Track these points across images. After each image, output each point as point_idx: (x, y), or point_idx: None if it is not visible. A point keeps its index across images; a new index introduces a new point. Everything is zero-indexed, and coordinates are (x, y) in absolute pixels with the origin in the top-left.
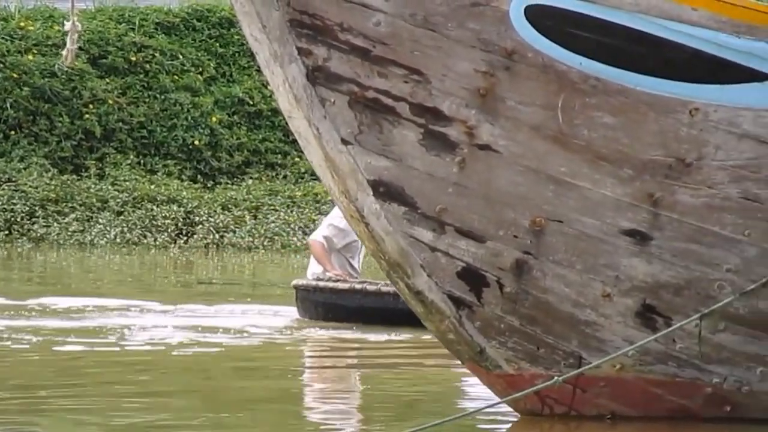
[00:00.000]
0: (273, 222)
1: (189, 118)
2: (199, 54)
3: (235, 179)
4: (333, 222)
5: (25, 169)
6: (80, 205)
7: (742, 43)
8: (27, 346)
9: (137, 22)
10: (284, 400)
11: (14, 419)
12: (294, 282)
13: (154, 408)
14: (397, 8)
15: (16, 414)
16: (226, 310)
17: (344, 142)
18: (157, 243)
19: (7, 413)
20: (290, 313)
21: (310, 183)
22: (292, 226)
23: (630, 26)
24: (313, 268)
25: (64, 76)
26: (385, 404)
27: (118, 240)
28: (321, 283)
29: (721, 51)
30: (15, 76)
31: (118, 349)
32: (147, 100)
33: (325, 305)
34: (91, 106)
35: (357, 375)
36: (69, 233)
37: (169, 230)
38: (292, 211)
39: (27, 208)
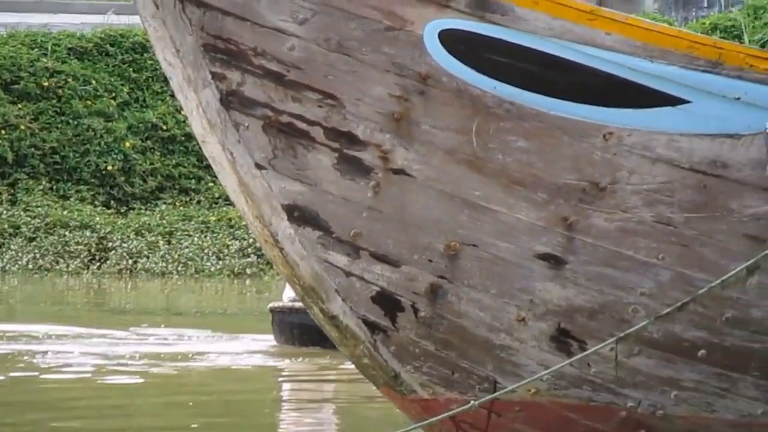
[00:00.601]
0: (187, 247)
1: (102, 143)
2: (113, 79)
3: (149, 204)
4: None
5: None
6: None
7: (655, 67)
8: None
9: (50, 48)
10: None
11: None
12: (270, 305)
13: None
14: (311, 33)
15: None
16: (139, 333)
17: (258, 166)
18: (70, 269)
19: None
20: (202, 334)
21: (224, 208)
22: (206, 251)
23: (544, 51)
24: (289, 292)
25: None
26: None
27: (30, 266)
28: (297, 305)
29: (634, 75)
30: None
31: (31, 374)
32: (60, 125)
33: (301, 327)
34: (2, 131)
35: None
36: None
37: (82, 256)
38: (206, 236)
39: None
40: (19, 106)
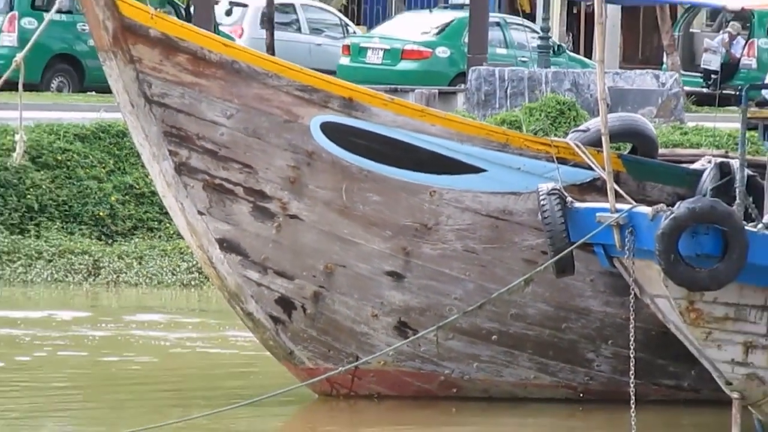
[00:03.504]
0: (152, 267)
1: (96, 197)
2: (103, 155)
3: (127, 238)
4: None
5: None
6: (24, 255)
7: (464, 147)
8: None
9: (62, 134)
10: None
11: None
12: None
13: None
14: (235, 124)
15: None
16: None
17: (200, 213)
18: (75, 281)
19: None
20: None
21: (177, 240)
22: (164, 269)
23: (390, 136)
24: None
25: (13, 169)
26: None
27: (48, 279)
28: None
29: (450, 153)
30: None
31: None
32: (68, 185)
33: None
34: (31, 189)
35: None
36: (16, 274)
37: (83, 272)
38: (164, 259)
39: None
40: (41, 173)
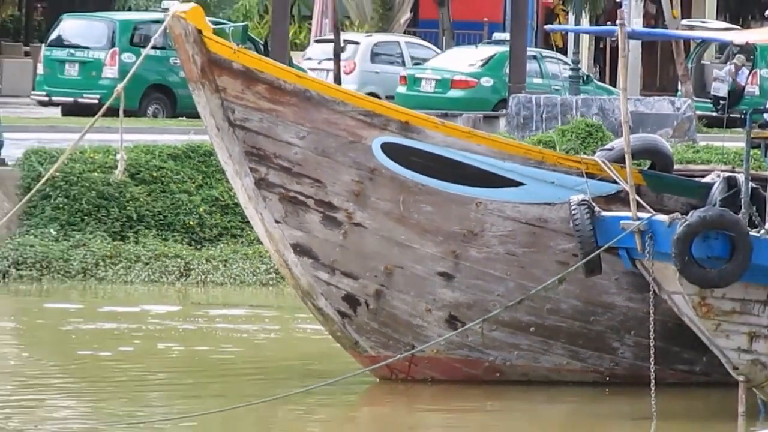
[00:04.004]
0: (236, 268)
1: (186, 209)
2: (192, 172)
3: (213, 244)
4: None
5: (93, 239)
6: (124, 259)
7: (505, 164)
8: None
9: (157, 153)
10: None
11: None
12: None
13: None
14: (307, 144)
15: None
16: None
17: (277, 221)
18: (168, 281)
19: None
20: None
21: (257, 245)
22: (246, 270)
23: (441, 154)
24: None
25: (115, 185)
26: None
27: (146, 280)
28: None
29: (494, 169)
30: (87, 185)
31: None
32: (163, 199)
33: None
34: (130, 202)
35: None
36: (117, 275)
37: (175, 274)
38: (246, 262)
39: (94, 260)
40: (139, 187)
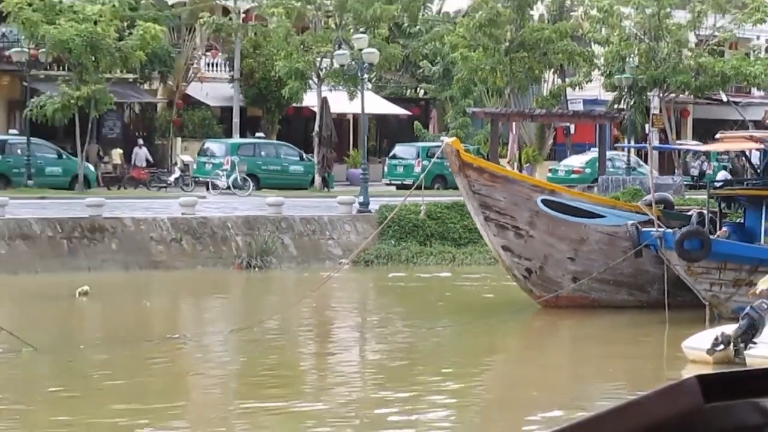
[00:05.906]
0: (477, 257)
1: (454, 230)
2: (455, 213)
3: (467, 246)
4: None
5: (410, 245)
6: (426, 254)
7: (596, 207)
8: None
9: (442, 206)
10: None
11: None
12: None
13: None
14: (507, 200)
15: None
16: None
17: (494, 235)
18: (446, 264)
19: None
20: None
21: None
22: (482, 257)
23: (569, 203)
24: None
25: (420, 221)
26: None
27: (440, 263)
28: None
29: (591, 209)
30: (407, 221)
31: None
32: (443, 226)
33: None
34: (428, 228)
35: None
36: (425, 263)
37: (448, 259)
38: (482, 254)
39: (412, 255)
40: (431, 221)
